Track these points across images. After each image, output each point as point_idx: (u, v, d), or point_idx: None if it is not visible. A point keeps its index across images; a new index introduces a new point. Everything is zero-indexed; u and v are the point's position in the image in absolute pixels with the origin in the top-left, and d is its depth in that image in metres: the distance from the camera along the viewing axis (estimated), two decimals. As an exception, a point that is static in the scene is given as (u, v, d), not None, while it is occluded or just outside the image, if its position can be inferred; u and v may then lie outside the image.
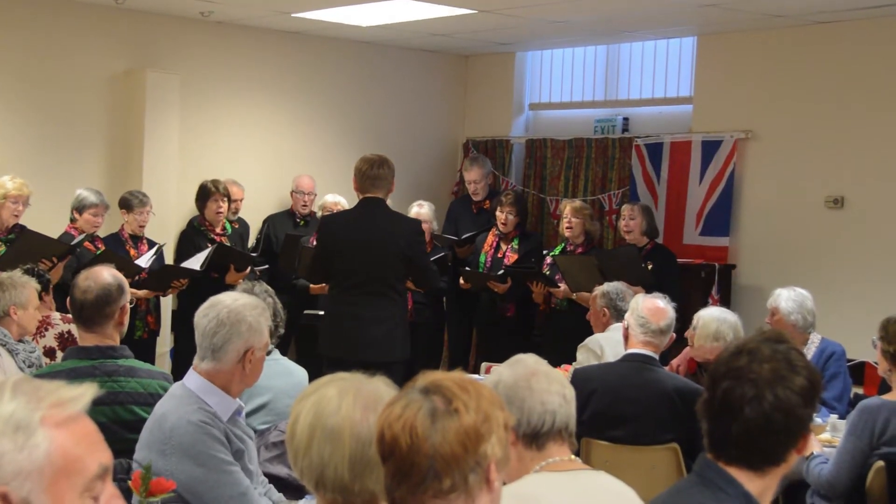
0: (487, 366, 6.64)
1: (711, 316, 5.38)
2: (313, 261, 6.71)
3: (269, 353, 3.71)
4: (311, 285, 7.75)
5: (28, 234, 6.76)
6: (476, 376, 6.81)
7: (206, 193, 7.89)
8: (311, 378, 3.90)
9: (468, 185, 8.89)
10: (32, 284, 5.24)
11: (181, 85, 8.41)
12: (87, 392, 1.55)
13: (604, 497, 2.77)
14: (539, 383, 2.83)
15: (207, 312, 3.40)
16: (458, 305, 8.69)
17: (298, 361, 4.79)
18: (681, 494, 2.25)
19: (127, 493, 3.11)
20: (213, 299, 3.47)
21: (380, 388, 2.20)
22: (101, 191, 7.41)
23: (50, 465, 1.46)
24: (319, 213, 8.28)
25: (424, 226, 8.14)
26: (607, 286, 6.13)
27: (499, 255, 8.21)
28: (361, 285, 6.38)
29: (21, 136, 7.93)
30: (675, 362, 5.79)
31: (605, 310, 6.03)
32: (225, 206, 7.90)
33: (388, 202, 6.71)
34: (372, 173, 6.40)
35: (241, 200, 8.40)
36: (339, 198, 8.35)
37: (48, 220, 7.25)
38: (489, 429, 1.91)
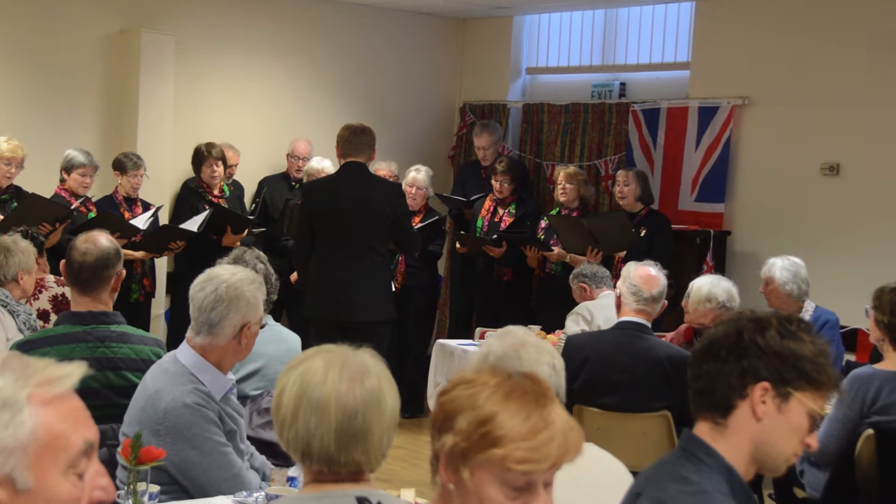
0: (482, 331, 6.66)
1: (704, 280, 5.45)
2: (299, 226, 6.74)
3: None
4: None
5: (30, 197, 6.76)
6: (471, 342, 6.83)
7: (200, 157, 7.87)
8: (305, 344, 3.91)
9: (477, 151, 8.84)
10: (32, 248, 5.26)
11: (176, 46, 8.34)
12: (76, 370, 1.55)
13: (593, 469, 2.78)
14: (528, 354, 2.85)
15: (204, 286, 3.37)
16: (459, 270, 8.69)
17: (290, 326, 4.80)
18: (664, 467, 2.27)
19: (113, 463, 3.13)
20: (209, 272, 3.45)
21: (366, 360, 2.20)
22: (91, 152, 7.36)
23: (35, 442, 1.47)
24: (305, 179, 8.18)
25: (419, 191, 8.18)
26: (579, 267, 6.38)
27: (496, 220, 8.21)
28: (345, 248, 6.47)
29: (14, 96, 7.88)
30: (669, 335, 5.82)
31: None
32: (220, 170, 7.88)
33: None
34: (355, 140, 6.54)
35: (235, 166, 8.36)
36: (324, 162, 8.18)
37: (41, 181, 7.21)
38: None
